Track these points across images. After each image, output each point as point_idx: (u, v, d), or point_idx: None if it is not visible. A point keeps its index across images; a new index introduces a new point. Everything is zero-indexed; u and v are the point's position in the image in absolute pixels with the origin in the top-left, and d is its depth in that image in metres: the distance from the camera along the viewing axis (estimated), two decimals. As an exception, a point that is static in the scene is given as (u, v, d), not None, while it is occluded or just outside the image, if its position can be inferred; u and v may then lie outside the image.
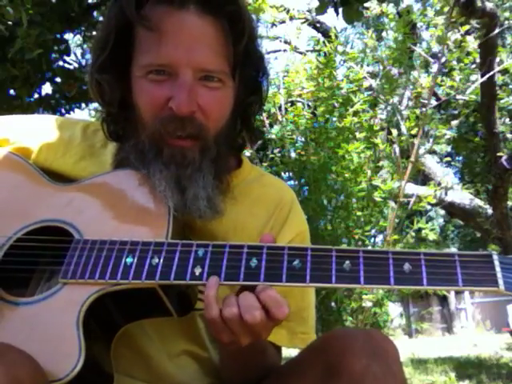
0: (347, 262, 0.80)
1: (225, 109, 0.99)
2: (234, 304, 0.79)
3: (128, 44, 0.97)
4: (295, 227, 1.12)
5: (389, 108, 4.98)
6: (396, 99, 5.26)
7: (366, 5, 2.92)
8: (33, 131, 1.14)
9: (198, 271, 0.82)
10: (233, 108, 1.01)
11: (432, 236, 4.50)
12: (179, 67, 0.92)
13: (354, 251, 0.81)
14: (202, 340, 1.06)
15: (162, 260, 0.84)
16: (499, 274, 0.76)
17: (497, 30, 5.33)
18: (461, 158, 11.94)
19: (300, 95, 4.87)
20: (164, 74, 0.93)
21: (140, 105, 0.96)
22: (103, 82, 1.00)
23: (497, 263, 0.77)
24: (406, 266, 0.79)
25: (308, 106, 4.80)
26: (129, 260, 0.85)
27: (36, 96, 4.08)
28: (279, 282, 0.80)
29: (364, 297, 4.00)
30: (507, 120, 7.42)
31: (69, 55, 3.94)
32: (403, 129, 4.77)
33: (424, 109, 4.76)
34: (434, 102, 5.94)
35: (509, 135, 7.38)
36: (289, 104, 4.94)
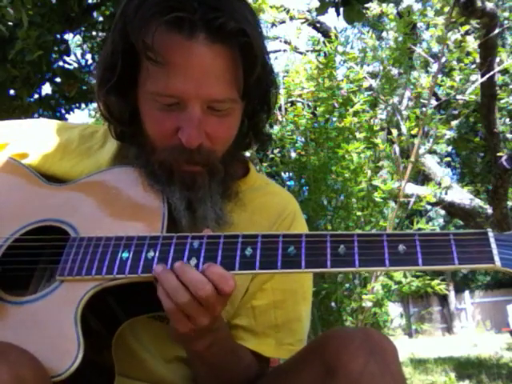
0: (342, 246, 0.80)
1: (232, 131, 1.00)
2: (181, 288, 0.80)
3: (135, 64, 0.95)
4: None
5: (389, 108, 4.98)
6: (396, 99, 5.26)
7: (366, 5, 2.91)
8: (31, 137, 1.14)
9: (193, 262, 0.83)
10: (241, 123, 1.02)
11: (432, 236, 4.48)
12: (188, 100, 0.91)
13: (348, 235, 0.81)
14: None
15: (157, 253, 0.85)
16: (495, 251, 0.77)
17: (497, 30, 5.33)
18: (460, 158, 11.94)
19: (300, 95, 4.86)
20: (172, 103, 0.92)
21: (148, 130, 0.96)
22: (110, 103, 1.00)
23: (492, 240, 0.78)
24: (401, 247, 0.79)
25: (308, 106, 4.80)
26: (125, 255, 0.86)
27: (36, 96, 4.09)
28: (275, 269, 0.81)
29: (364, 297, 4.00)
30: (507, 120, 7.42)
31: (69, 55, 3.95)
32: (403, 129, 4.77)
33: (424, 109, 4.76)
34: (434, 102, 5.94)
35: (509, 135, 7.38)
36: (289, 104, 4.94)
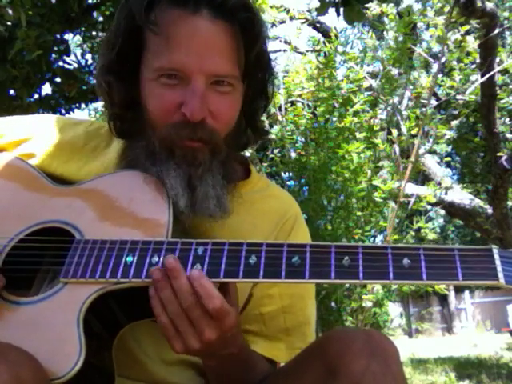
0: (346, 257, 0.80)
1: (234, 112, 1.00)
2: (173, 298, 0.80)
3: (138, 45, 0.96)
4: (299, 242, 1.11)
5: (389, 108, 4.98)
6: (396, 99, 5.26)
7: (366, 5, 2.91)
8: (37, 135, 1.14)
9: (197, 269, 0.82)
10: (240, 110, 1.02)
11: (432, 236, 4.50)
12: (192, 73, 0.92)
13: (353, 247, 0.81)
14: None
15: (161, 258, 0.84)
16: (499, 268, 0.76)
17: (497, 30, 5.33)
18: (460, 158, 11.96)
19: (300, 95, 4.86)
20: (175, 77, 0.93)
21: (150, 108, 0.96)
22: (110, 83, 0.99)
23: (497, 257, 0.77)
24: (405, 261, 0.79)
25: (308, 106, 4.80)
26: (129, 259, 0.86)
27: (36, 96, 4.09)
28: (278, 279, 0.81)
29: (364, 297, 4.01)
30: (507, 120, 7.41)
31: (69, 55, 3.94)
32: (403, 129, 4.77)
33: (424, 109, 4.76)
34: (434, 102, 5.94)
35: (509, 135, 7.38)
36: (289, 104, 4.93)
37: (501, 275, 0.76)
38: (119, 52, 0.96)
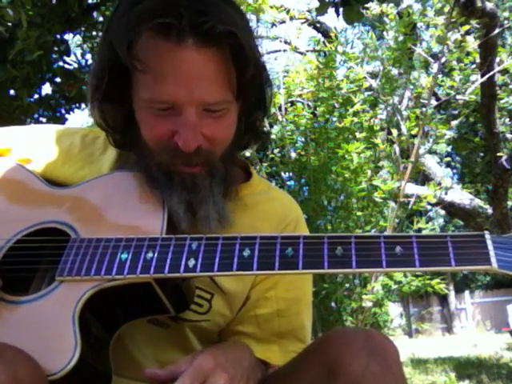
0: (339, 247, 0.81)
1: (230, 132, 0.99)
2: None
3: (126, 72, 0.93)
4: None
5: (389, 108, 4.99)
6: (396, 99, 5.26)
7: (366, 5, 2.92)
8: (34, 142, 1.15)
9: (191, 263, 0.83)
10: (238, 121, 1.01)
11: (432, 236, 4.48)
12: (182, 105, 0.90)
13: (345, 237, 0.82)
14: (193, 350, 1.05)
15: (156, 254, 0.85)
16: (492, 253, 0.76)
17: (497, 30, 5.33)
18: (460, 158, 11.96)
19: (300, 95, 4.87)
20: (166, 108, 0.91)
21: (144, 135, 0.96)
22: (105, 111, 0.99)
23: (489, 242, 0.78)
24: (398, 249, 0.79)
25: (308, 106, 4.81)
26: (124, 256, 0.86)
27: (36, 96, 4.09)
28: (272, 270, 0.81)
29: (364, 297, 4.01)
30: (507, 120, 7.41)
31: (69, 55, 3.94)
32: (403, 129, 4.77)
33: (424, 109, 4.76)
34: (434, 102, 5.94)
35: (509, 135, 7.38)
36: (289, 104, 4.94)
37: (493, 260, 0.76)
38: (106, 81, 0.94)
